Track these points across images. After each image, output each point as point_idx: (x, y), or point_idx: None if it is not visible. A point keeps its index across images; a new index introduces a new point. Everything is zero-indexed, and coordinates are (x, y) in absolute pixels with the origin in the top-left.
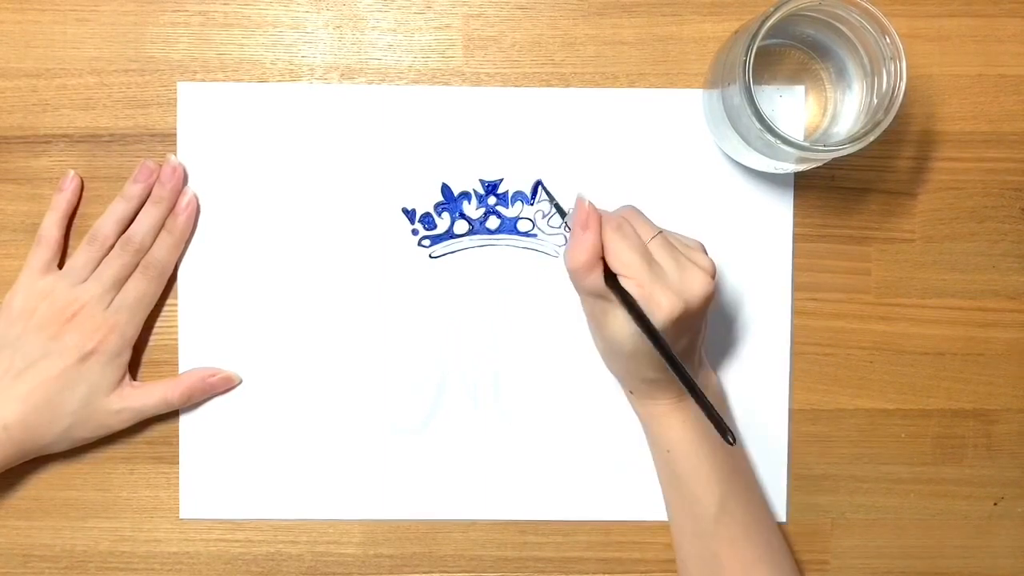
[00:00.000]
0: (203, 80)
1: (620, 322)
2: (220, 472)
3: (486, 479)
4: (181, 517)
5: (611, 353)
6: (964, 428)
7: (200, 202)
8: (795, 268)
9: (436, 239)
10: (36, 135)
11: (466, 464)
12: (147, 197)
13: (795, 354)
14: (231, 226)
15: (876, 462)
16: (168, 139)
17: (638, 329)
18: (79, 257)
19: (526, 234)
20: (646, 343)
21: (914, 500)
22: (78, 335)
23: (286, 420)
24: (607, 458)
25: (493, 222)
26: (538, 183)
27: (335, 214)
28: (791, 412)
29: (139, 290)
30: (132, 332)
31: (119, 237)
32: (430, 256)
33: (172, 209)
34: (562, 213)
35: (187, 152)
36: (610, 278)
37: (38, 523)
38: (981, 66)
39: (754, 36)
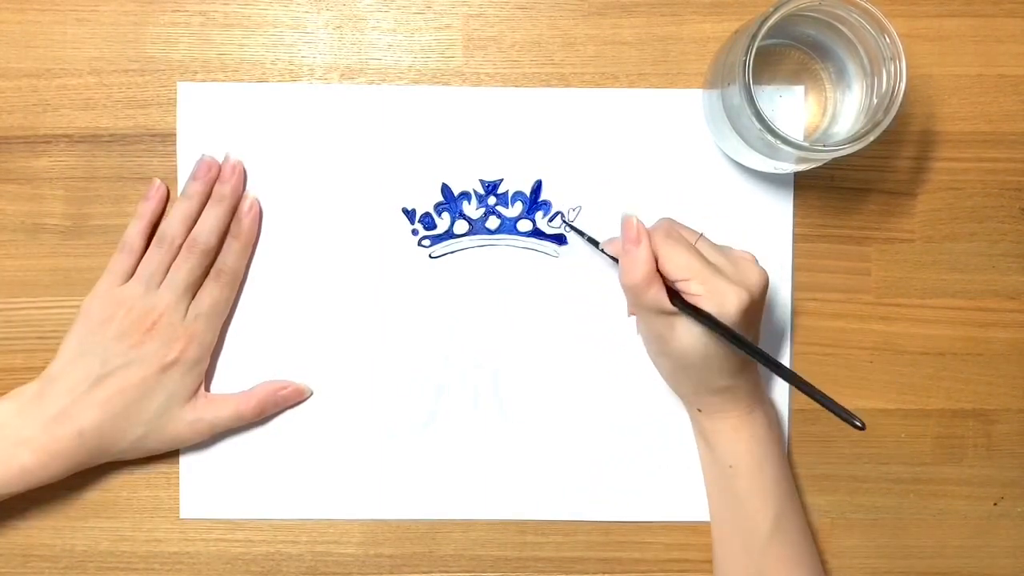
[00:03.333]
0: (203, 80)
1: (687, 331)
2: (220, 472)
3: (486, 479)
4: (181, 517)
5: (680, 368)
6: (964, 428)
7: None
8: (795, 268)
9: (436, 239)
10: (36, 135)
11: (466, 464)
12: (208, 193)
13: (795, 354)
14: None
15: (876, 462)
16: (168, 139)
17: (707, 334)
18: (150, 261)
19: (526, 234)
20: (717, 347)
21: (914, 500)
22: (159, 344)
23: (286, 420)
24: (607, 458)
25: (493, 222)
26: (560, 217)
27: (335, 214)
28: (791, 412)
29: (213, 297)
30: (210, 340)
31: (187, 236)
32: (430, 256)
33: (234, 207)
34: (595, 243)
35: (187, 152)
36: (670, 289)
37: (38, 523)
38: (981, 66)
39: (754, 36)
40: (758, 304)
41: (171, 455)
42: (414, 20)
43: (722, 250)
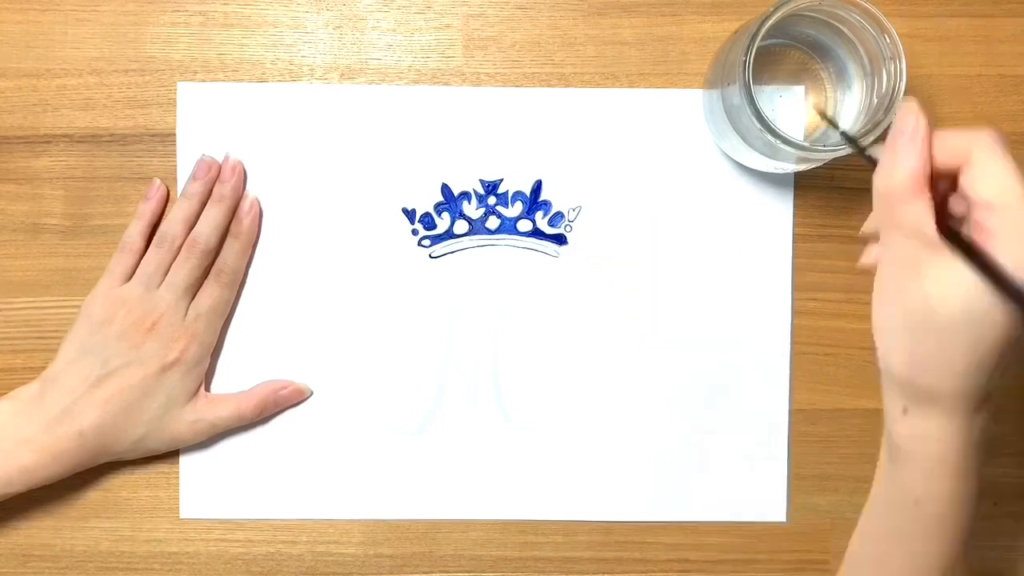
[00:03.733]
0: (203, 80)
1: (951, 278)
2: (220, 472)
3: (486, 479)
4: (181, 517)
5: (915, 325)
6: None
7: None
8: (795, 268)
9: (436, 239)
10: (36, 135)
11: (466, 464)
12: (208, 193)
13: (795, 354)
14: None
15: (876, 462)
16: (168, 139)
17: (979, 293)
18: (150, 261)
19: (526, 234)
20: (990, 313)
21: None
22: (159, 344)
23: (286, 420)
24: (607, 458)
25: (493, 222)
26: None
27: (335, 214)
28: (791, 412)
29: (213, 297)
30: (210, 340)
31: (187, 236)
32: (430, 256)
33: (234, 207)
34: (853, 142)
35: (187, 152)
36: (941, 215)
37: (38, 523)
38: (981, 66)
39: (754, 36)
40: None
41: (171, 455)
42: (414, 20)
43: None
